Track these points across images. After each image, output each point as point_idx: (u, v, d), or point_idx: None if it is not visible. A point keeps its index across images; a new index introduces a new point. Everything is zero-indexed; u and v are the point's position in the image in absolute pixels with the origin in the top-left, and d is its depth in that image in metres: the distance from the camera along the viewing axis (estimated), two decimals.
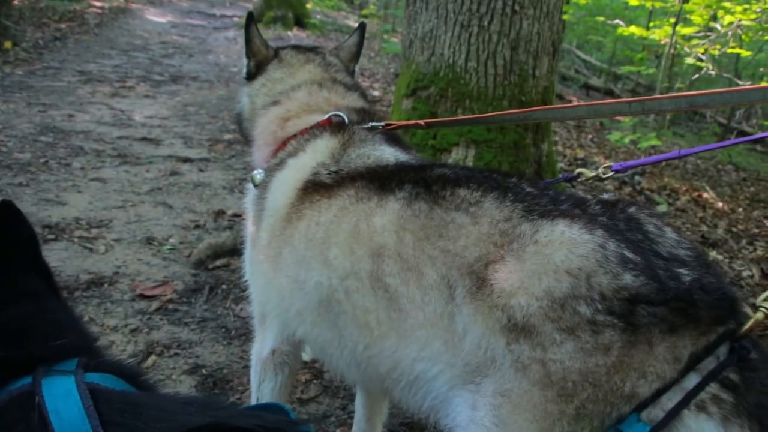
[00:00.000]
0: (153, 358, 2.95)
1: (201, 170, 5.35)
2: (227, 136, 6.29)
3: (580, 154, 7.43)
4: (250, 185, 2.06)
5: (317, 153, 1.84)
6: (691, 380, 1.23)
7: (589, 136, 8.83)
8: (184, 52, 10.97)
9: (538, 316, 1.28)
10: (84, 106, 7.02)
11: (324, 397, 2.83)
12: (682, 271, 1.27)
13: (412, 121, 2.05)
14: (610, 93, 12.36)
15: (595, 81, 13.48)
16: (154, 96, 7.88)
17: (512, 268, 1.33)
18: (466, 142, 3.90)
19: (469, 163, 3.88)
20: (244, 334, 3.16)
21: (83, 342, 1.29)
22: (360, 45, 2.39)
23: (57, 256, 3.68)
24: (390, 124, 1.93)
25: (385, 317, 1.52)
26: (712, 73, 8.27)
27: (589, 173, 1.85)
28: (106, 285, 3.48)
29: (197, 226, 4.28)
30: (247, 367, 2.95)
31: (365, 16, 16.22)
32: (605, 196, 1.49)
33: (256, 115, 2.15)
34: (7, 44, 8.91)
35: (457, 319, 1.40)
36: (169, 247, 3.97)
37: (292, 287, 1.74)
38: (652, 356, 1.23)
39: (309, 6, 14.99)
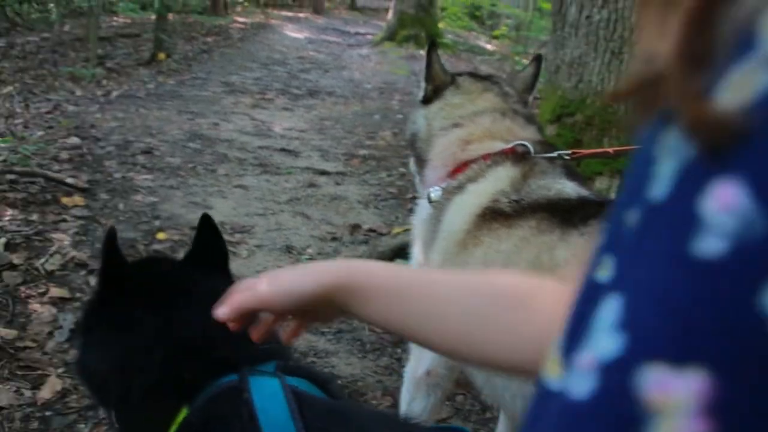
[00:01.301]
0: None
1: (337, 183, 5.50)
2: (362, 152, 6.44)
3: None
4: (422, 202, 2.07)
5: (498, 181, 1.84)
6: None
7: None
8: (320, 68, 11.35)
9: None
10: (228, 115, 7.40)
11: (456, 419, 2.81)
12: None
13: (600, 149, 2.02)
14: None
15: None
16: (292, 109, 8.19)
17: None
18: (610, 171, 3.80)
19: (612, 193, 3.78)
20: (378, 348, 3.21)
21: (278, 345, 1.35)
22: (536, 77, 2.36)
23: None
24: (577, 152, 1.91)
25: None
26: None
27: None
28: None
29: (334, 239, 4.39)
30: (380, 381, 3.00)
31: (496, 37, 16.19)
32: None
33: (433, 136, 2.17)
34: (161, 56, 9.58)
35: None
36: (307, 257, 4.10)
37: None
38: None
39: (441, 26, 15.13)
